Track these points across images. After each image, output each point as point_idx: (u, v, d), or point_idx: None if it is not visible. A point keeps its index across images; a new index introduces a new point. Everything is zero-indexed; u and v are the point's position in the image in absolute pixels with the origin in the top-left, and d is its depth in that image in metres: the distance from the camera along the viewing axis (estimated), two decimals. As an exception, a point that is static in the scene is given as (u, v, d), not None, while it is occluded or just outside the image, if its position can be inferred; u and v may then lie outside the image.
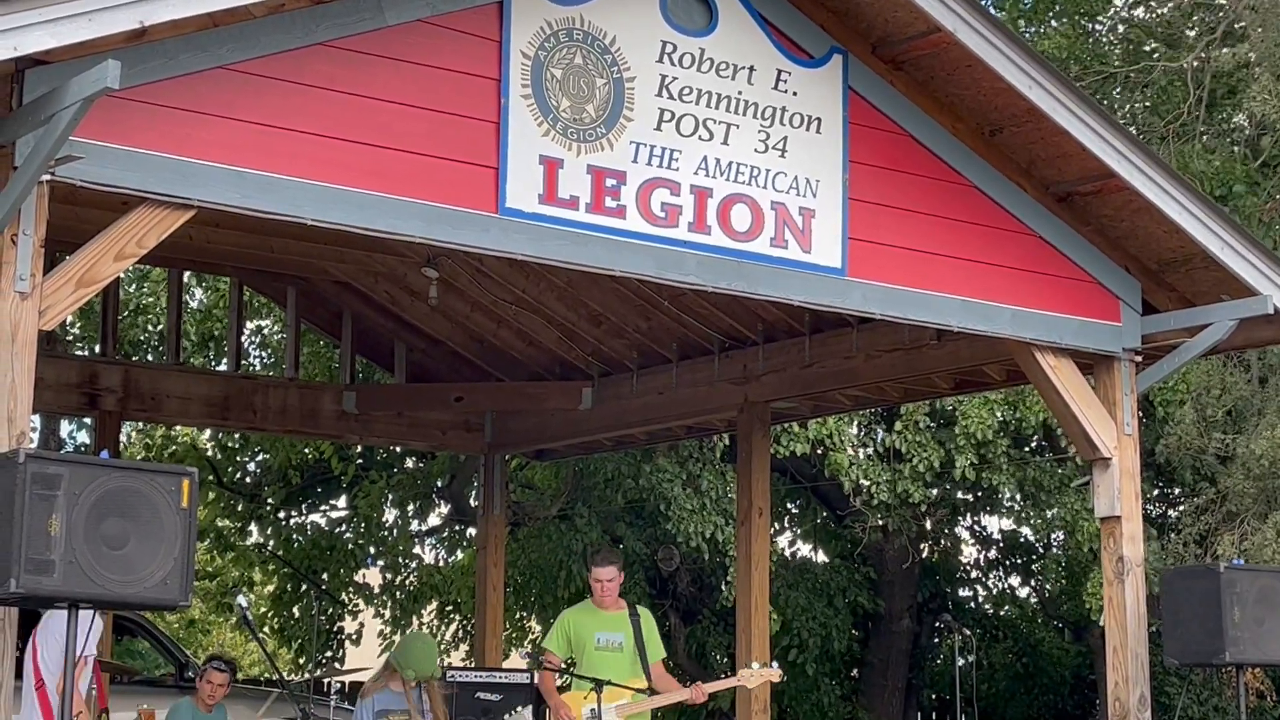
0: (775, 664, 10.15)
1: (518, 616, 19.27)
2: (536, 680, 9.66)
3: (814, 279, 8.65)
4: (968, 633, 19.40)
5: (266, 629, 20.14)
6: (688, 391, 12.62)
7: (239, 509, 19.33)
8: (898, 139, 9.03)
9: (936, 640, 21.10)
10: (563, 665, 9.71)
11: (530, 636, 19.08)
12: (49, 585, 5.95)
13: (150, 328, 18.63)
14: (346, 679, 17.24)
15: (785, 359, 11.93)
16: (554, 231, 7.87)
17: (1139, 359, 9.83)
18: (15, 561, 5.87)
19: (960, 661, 18.29)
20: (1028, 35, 17.21)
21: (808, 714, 18.33)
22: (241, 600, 11.95)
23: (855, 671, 19.88)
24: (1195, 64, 16.23)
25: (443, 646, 19.91)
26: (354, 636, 19.90)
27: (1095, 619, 15.87)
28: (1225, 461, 15.16)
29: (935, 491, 16.89)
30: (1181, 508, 16.71)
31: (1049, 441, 17.31)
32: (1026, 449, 17.40)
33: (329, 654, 19.64)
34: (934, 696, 21.39)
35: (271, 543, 19.62)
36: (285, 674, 21.09)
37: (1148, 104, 17.18)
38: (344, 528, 19.65)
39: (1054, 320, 9.45)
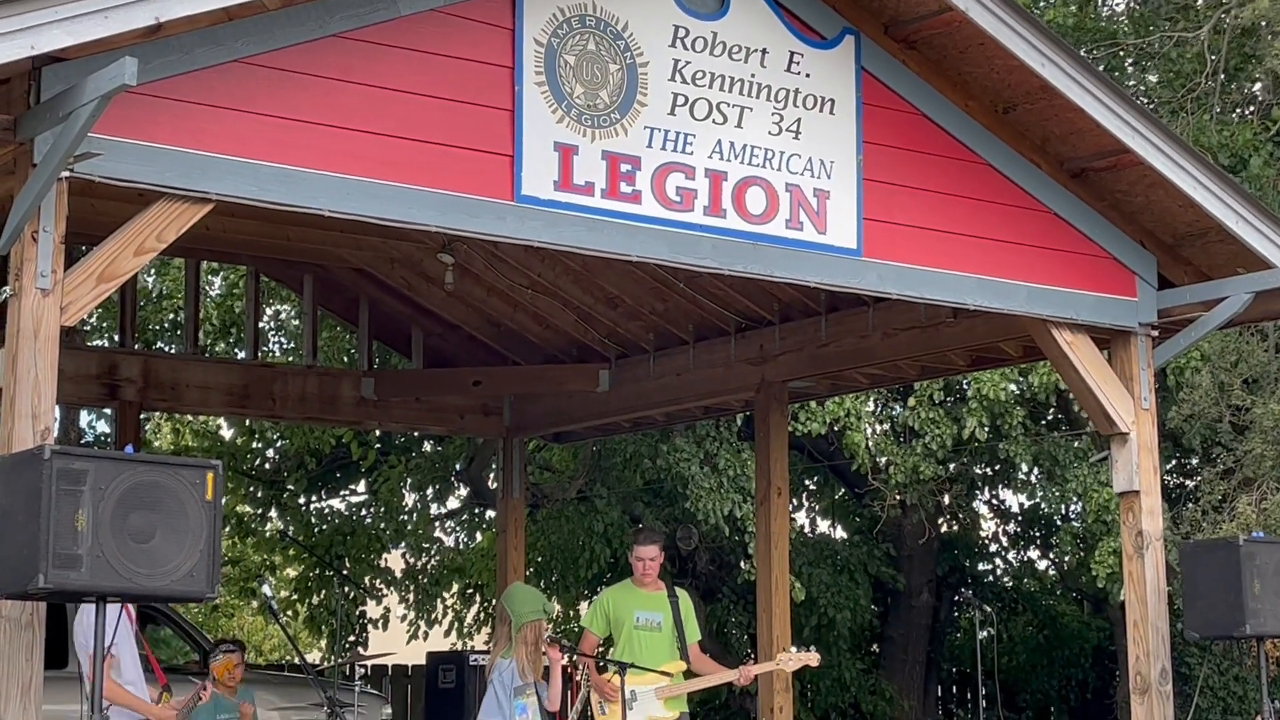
0: (812, 648, 10.19)
1: (539, 598, 19.27)
2: (574, 662, 9.59)
3: (830, 260, 8.68)
4: (988, 608, 19.43)
5: (290, 611, 20.22)
6: (705, 372, 12.63)
7: (259, 495, 19.39)
8: (911, 119, 9.04)
9: (956, 614, 21.12)
10: (599, 647, 9.68)
11: (552, 618, 19.13)
12: (76, 580, 5.99)
13: (169, 316, 18.65)
14: (370, 664, 17.31)
15: (802, 339, 11.94)
16: (570, 218, 7.90)
17: (1155, 333, 9.84)
18: (43, 557, 5.91)
19: (980, 635, 18.30)
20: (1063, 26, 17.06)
21: (829, 689, 18.39)
22: (266, 590, 11.98)
23: (876, 646, 19.93)
24: (1207, 35, 16.14)
25: (465, 629, 19.99)
26: (377, 621, 19.98)
27: (1103, 586, 15.83)
28: (1242, 431, 15.12)
29: (953, 466, 16.88)
30: (1200, 477, 16.67)
31: (1064, 413, 17.29)
32: (1042, 422, 17.39)
33: (353, 639, 19.71)
34: (954, 670, 21.41)
35: (293, 529, 19.68)
36: (309, 659, 21.21)
37: (1158, 78, 17.09)
38: (364, 512, 19.71)
39: (1070, 296, 9.46)
